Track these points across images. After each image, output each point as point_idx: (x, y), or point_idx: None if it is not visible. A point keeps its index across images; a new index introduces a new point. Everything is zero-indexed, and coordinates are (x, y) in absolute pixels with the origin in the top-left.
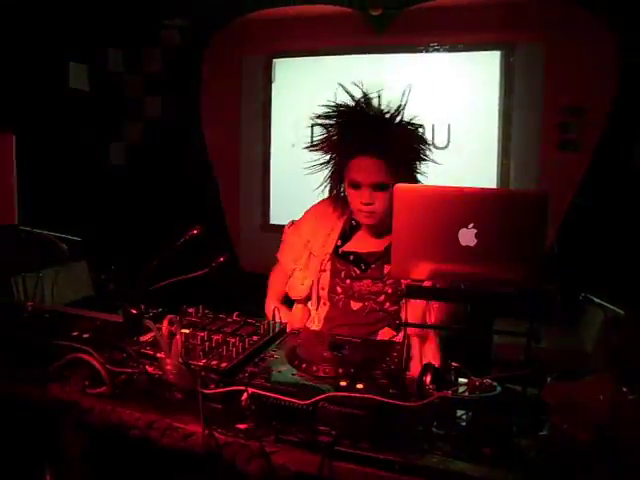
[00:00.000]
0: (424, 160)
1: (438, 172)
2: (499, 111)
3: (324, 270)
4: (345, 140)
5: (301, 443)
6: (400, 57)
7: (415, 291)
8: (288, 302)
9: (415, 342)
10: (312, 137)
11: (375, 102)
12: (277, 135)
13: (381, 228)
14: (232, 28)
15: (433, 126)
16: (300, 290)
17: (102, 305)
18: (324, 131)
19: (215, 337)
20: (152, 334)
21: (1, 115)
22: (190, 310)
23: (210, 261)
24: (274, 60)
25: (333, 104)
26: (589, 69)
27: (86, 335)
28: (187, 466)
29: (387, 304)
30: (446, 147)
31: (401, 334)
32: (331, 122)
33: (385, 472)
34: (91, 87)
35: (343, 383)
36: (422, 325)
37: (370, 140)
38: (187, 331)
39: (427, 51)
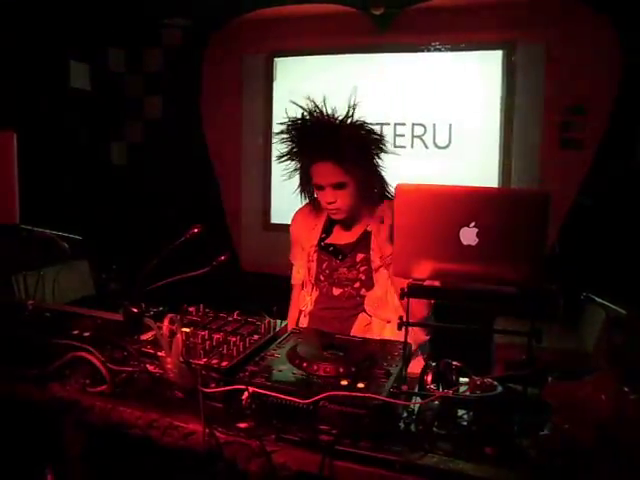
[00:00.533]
0: (379, 155)
1: (440, 171)
2: (501, 110)
3: (312, 261)
4: (302, 150)
5: (302, 442)
6: (402, 56)
7: (416, 290)
8: None
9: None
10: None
11: (323, 110)
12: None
13: (351, 221)
14: (232, 27)
15: (434, 125)
16: (296, 278)
17: (103, 304)
18: (286, 144)
19: (216, 336)
20: (153, 333)
21: (3, 114)
22: (191, 309)
23: (211, 260)
24: (275, 59)
25: (287, 120)
26: (591, 68)
27: (87, 334)
28: (187, 465)
29: (363, 290)
30: (448, 146)
31: (372, 321)
32: (289, 136)
33: (386, 471)
34: (92, 87)
35: (344, 382)
36: (423, 324)
37: (322, 146)
38: (188, 330)
39: (429, 50)
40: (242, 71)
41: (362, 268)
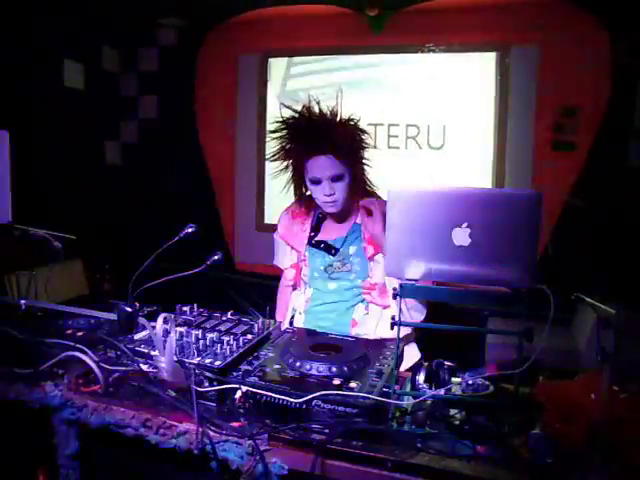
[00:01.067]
0: (366, 148)
1: (434, 172)
2: (494, 112)
3: (304, 259)
4: (299, 145)
5: (294, 441)
6: (396, 57)
7: (409, 290)
8: None
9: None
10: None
11: (317, 108)
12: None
13: (342, 215)
14: (228, 27)
15: (428, 126)
16: (287, 279)
17: (96, 303)
18: (279, 142)
19: (209, 335)
20: (146, 332)
21: None
22: (184, 308)
23: (204, 260)
24: (270, 59)
25: (282, 118)
26: (583, 70)
27: (80, 333)
28: (180, 464)
29: (358, 281)
30: (441, 147)
31: (373, 308)
32: (283, 134)
33: (378, 470)
34: (86, 86)
35: (336, 382)
36: (417, 324)
37: (320, 140)
38: (181, 329)
39: (423, 52)
40: (237, 71)
41: (356, 260)
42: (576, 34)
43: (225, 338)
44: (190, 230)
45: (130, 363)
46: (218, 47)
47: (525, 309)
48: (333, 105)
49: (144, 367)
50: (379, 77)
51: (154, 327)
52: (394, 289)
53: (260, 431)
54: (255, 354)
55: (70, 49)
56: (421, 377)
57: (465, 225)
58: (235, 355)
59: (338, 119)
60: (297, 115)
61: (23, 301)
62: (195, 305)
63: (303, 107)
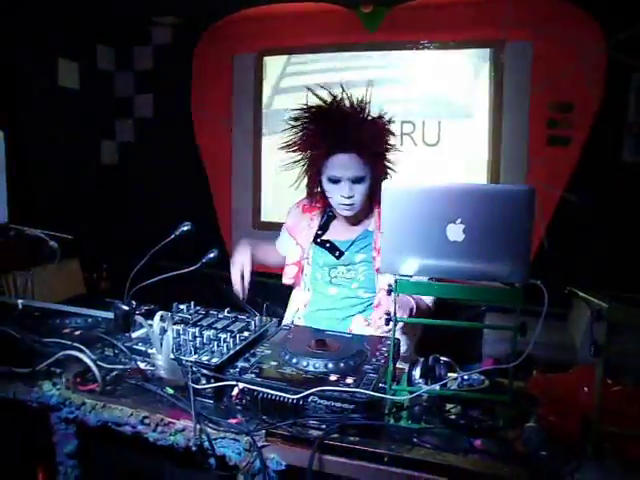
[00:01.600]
0: (392, 151)
1: (429, 169)
2: (489, 108)
3: (307, 258)
4: (323, 139)
5: (292, 437)
6: (390, 54)
7: (404, 286)
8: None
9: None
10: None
11: (346, 101)
12: (269, 132)
13: (355, 218)
14: (223, 26)
15: (423, 123)
16: (289, 275)
17: (93, 302)
18: (299, 131)
19: (206, 333)
20: (143, 330)
21: None
22: (181, 306)
23: (201, 258)
24: (265, 58)
25: (307, 106)
26: (578, 66)
27: (77, 332)
28: (179, 461)
29: (360, 291)
30: (436, 144)
31: (370, 325)
32: (307, 123)
33: (375, 465)
34: (81, 85)
35: (333, 378)
36: (412, 320)
37: (347, 137)
38: (178, 327)
39: (417, 48)
40: (232, 69)
41: (361, 269)
42: (570, 30)
43: (222, 335)
44: (185, 228)
45: (127, 361)
46: (213, 45)
47: (520, 304)
48: (362, 98)
49: (141, 365)
50: (373, 74)
51: (151, 325)
52: (389, 285)
53: (257, 427)
54: (252, 351)
55: (65, 48)
56: (417, 372)
57: (459, 221)
58: (232, 352)
59: (370, 114)
60: (325, 105)
61: (20, 301)
62: (192, 303)
63: (333, 99)
